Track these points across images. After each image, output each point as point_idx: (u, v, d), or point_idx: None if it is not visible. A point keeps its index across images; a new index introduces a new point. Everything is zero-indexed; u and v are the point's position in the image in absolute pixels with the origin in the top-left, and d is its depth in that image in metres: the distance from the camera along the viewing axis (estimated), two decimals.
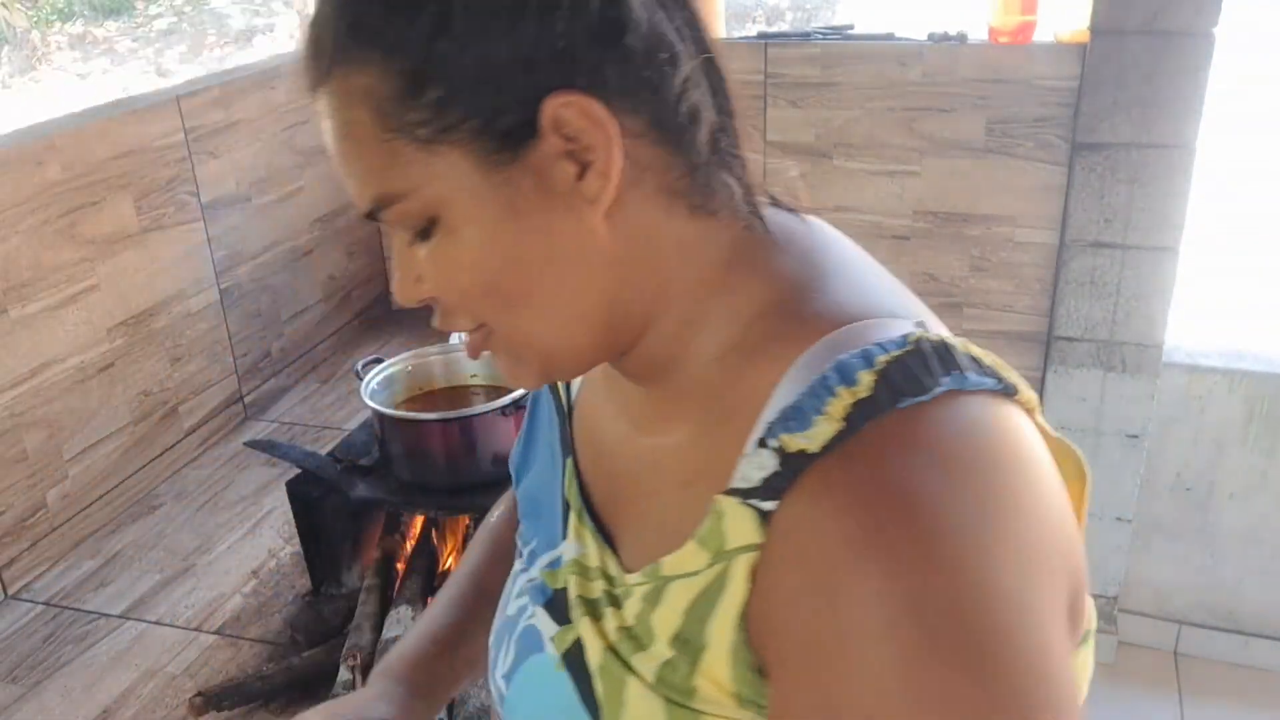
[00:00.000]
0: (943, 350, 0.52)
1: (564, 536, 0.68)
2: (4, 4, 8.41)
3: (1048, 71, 2.29)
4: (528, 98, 0.53)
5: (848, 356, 0.52)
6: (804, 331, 0.55)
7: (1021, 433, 0.52)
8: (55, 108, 2.45)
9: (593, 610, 0.63)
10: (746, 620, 0.53)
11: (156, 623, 1.74)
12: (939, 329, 0.56)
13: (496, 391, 1.70)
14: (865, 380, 0.50)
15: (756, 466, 0.52)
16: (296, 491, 1.68)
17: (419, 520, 1.79)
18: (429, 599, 1.65)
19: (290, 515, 1.74)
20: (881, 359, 0.51)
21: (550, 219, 0.55)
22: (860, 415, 0.49)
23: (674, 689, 0.56)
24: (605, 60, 0.54)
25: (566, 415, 0.74)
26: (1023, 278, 2.47)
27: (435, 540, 1.78)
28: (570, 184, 0.54)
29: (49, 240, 1.85)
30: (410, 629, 0.83)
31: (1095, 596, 2.77)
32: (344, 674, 1.48)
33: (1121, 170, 2.29)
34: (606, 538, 0.65)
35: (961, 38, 2.36)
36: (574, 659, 0.62)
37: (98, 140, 1.95)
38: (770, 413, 0.53)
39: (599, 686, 0.60)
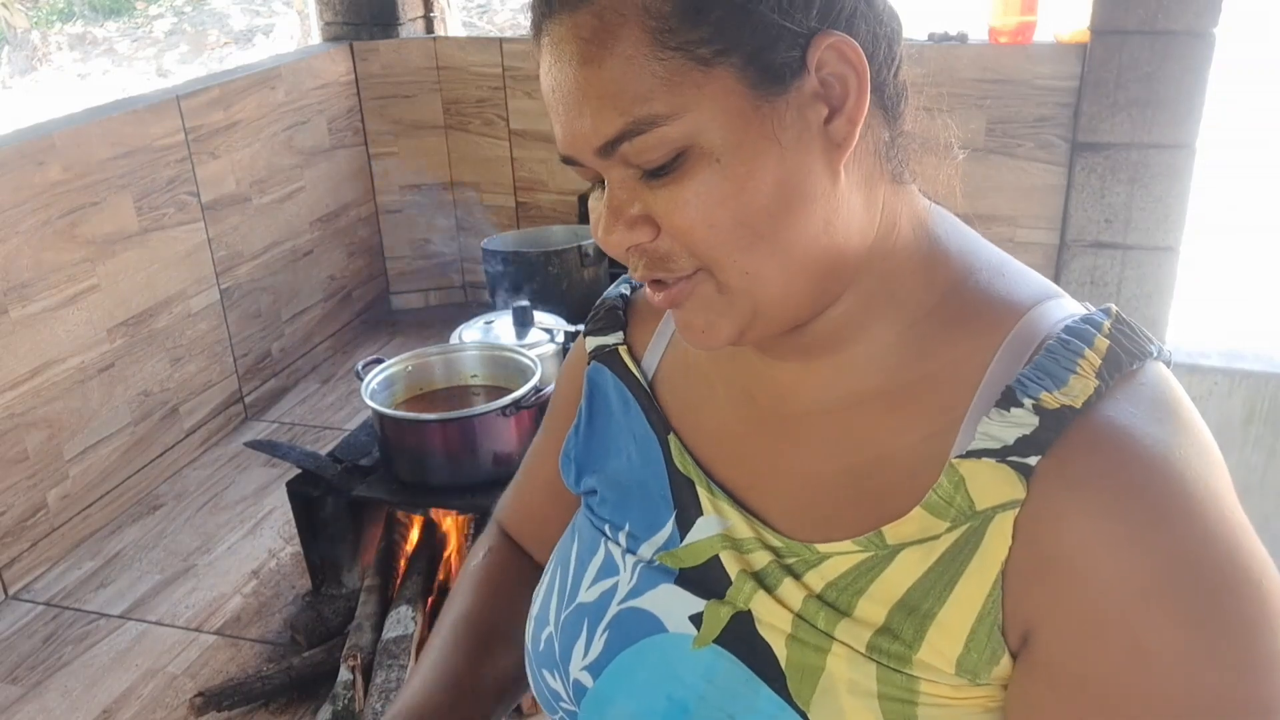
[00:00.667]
0: (1135, 323, 0.58)
1: (696, 512, 0.66)
2: (4, 4, 8.42)
3: (1048, 72, 2.29)
4: (801, 32, 0.53)
5: (1074, 323, 0.56)
6: (1000, 312, 0.58)
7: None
8: (56, 108, 2.45)
9: (762, 581, 0.61)
10: (1005, 576, 0.54)
11: (157, 623, 1.74)
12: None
13: (496, 392, 1.70)
14: (1101, 344, 0.55)
15: (1009, 425, 0.54)
16: (297, 492, 1.68)
17: (419, 520, 1.79)
18: (429, 600, 1.66)
19: (290, 515, 1.74)
20: (1106, 324, 0.56)
21: (807, 154, 0.55)
22: (1108, 373, 0.54)
23: (890, 656, 0.57)
24: (859, 11, 0.56)
25: (650, 395, 0.73)
26: None
27: (435, 540, 1.78)
28: (820, 125, 0.55)
29: (49, 240, 1.85)
30: (410, 683, 0.79)
31: None
32: (344, 674, 1.48)
33: (1122, 170, 2.29)
34: (748, 510, 0.64)
35: (962, 38, 2.36)
36: (738, 633, 0.61)
37: (98, 140, 1.95)
38: (994, 381, 0.56)
39: (784, 655, 0.59)
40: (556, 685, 0.69)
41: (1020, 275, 0.61)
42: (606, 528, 0.72)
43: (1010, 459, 0.53)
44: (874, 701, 0.57)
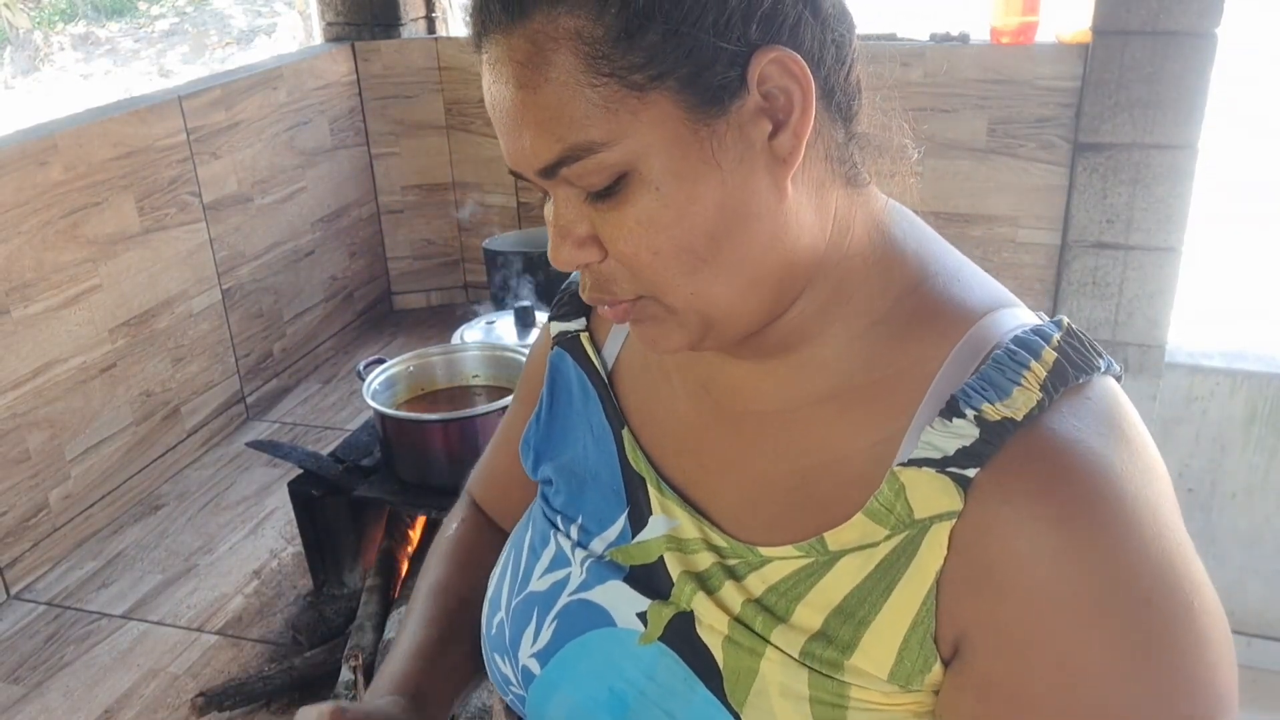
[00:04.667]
0: (1085, 335, 0.58)
1: (646, 510, 0.67)
2: (6, 4, 8.43)
3: (1050, 72, 2.28)
4: (740, 49, 0.52)
5: (1024, 334, 0.56)
6: (952, 318, 0.58)
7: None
8: (58, 108, 2.45)
9: (704, 584, 0.62)
10: (940, 586, 0.54)
11: (158, 623, 1.74)
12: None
13: (498, 392, 1.70)
14: (1048, 356, 0.55)
15: (950, 436, 0.53)
16: (298, 492, 1.68)
17: (421, 520, 1.79)
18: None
19: (292, 515, 1.74)
20: (1055, 338, 0.56)
21: (750, 175, 0.54)
22: (1053, 386, 0.53)
23: (822, 661, 0.57)
24: (803, 19, 0.54)
25: (608, 385, 0.72)
26: (1024, 278, 2.47)
27: None
28: (764, 142, 0.54)
29: (51, 240, 1.85)
30: (390, 653, 0.80)
31: None
32: (345, 674, 1.48)
33: (1124, 171, 2.28)
34: (696, 509, 0.64)
35: (963, 38, 2.36)
36: (680, 632, 0.61)
37: (100, 140, 1.95)
38: (940, 389, 0.55)
39: (721, 657, 0.59)
40: (507, 670, 0.70)
41: (975, 281, 0.61)
42: (559, 520, 0.72)
43: (949, 470, 0.53)
44: (805, 705, 0.57)
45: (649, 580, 0.64)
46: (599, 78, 0.52)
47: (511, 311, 1.91)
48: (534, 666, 0.67)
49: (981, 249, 2.47)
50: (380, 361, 1.75)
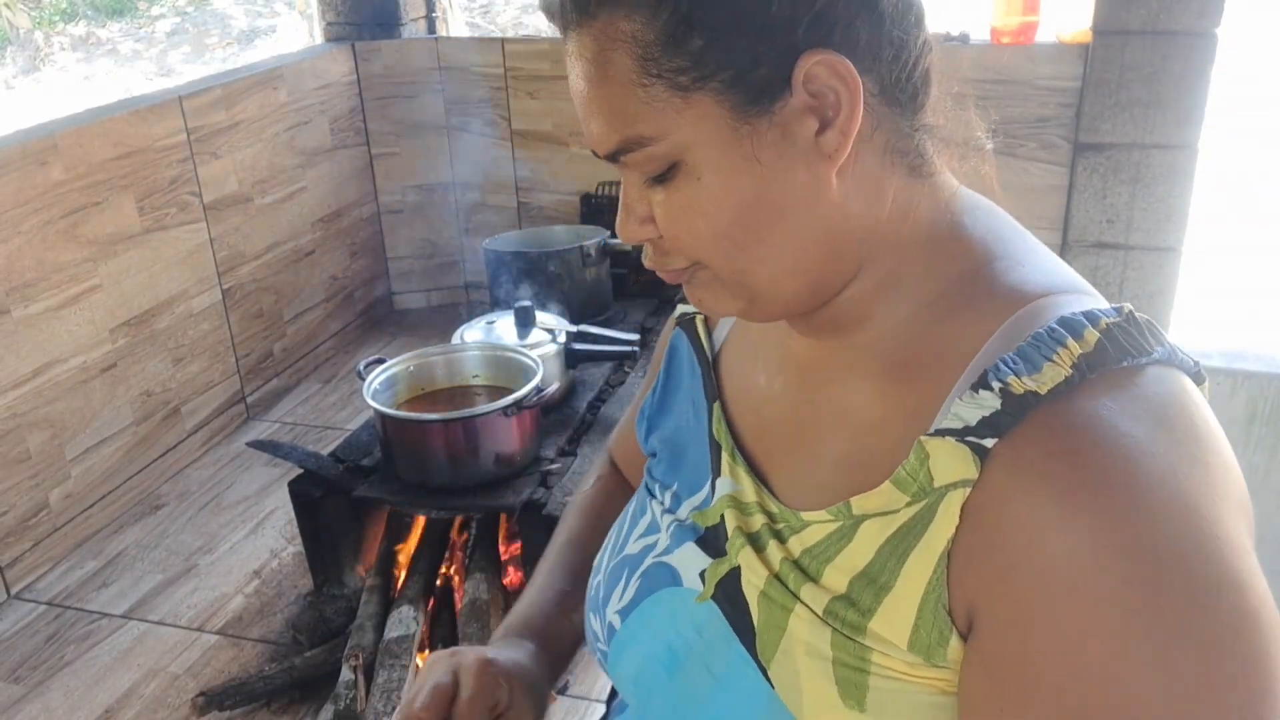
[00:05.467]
0: (1151, 325, 0.56)
1: (716, 475, 0.71)
2: (7, 4, 8.43)
3: (1050, 72, 2.28)
4: (784, 52, 0.55)
5: (1072, 315, 0.55)
6: (1006, 299, 0.58)
7: (1206, 406, 0.55)
8: (59, 108, 2.45)
9: (754, 542, 0.65)
10: (950, 556, 0.54)
11: (159, 623, 1.74)
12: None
13: (498, 392, 1.71)
14: (1090, 337, 0.54)
15: (975, 407, 0.54)
16: (298, 492, 1.68)
17: (421, 520, 1.79)
18: (430, 599, 1.66)
19: (292, 515, 1.74)
20: (1105, 321, 0.55)
21: (788, 171, 0.57)
22: (1088, 365, 0.53)
23: (845, 623, 0.58)
24: (859, 18, 0.56)
25: (711, 364, 0.77)
26: None
27: (437, 541, 1.78)
28: (809, 139, 0.57)
29: (52, 240, 1.85)
30: (521, 598, 0.87)
31: None
32: (346, 674, 1.48)
33: (1124, 170, 2.28)
34: (760, 477, 0.68)
35: (964, 38, 2.36)
36: (728, 589, 0.65)
37: (100, 141, 1.95)
38: (979, 365, 0.56)
39: (756, 612, 0.63)
40: (597, 627, 0.75)
41: (1043, 267, 0.61)
42: (656, 488, 0.77)
43: (969, 439, 0.54)
44: (828, 666, 0.59)
45: (714, 541, 0.68)
46: (649, 78, 0.56)
47: (511, 311, 1.91)
48: (616, 622, 0.72)
49: None
50: (380, 361, 1.75)
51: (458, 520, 1.77)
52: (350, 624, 1.61)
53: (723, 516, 0.68)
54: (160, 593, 1.82)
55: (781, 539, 0.64)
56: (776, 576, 0.62)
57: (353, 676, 1.47)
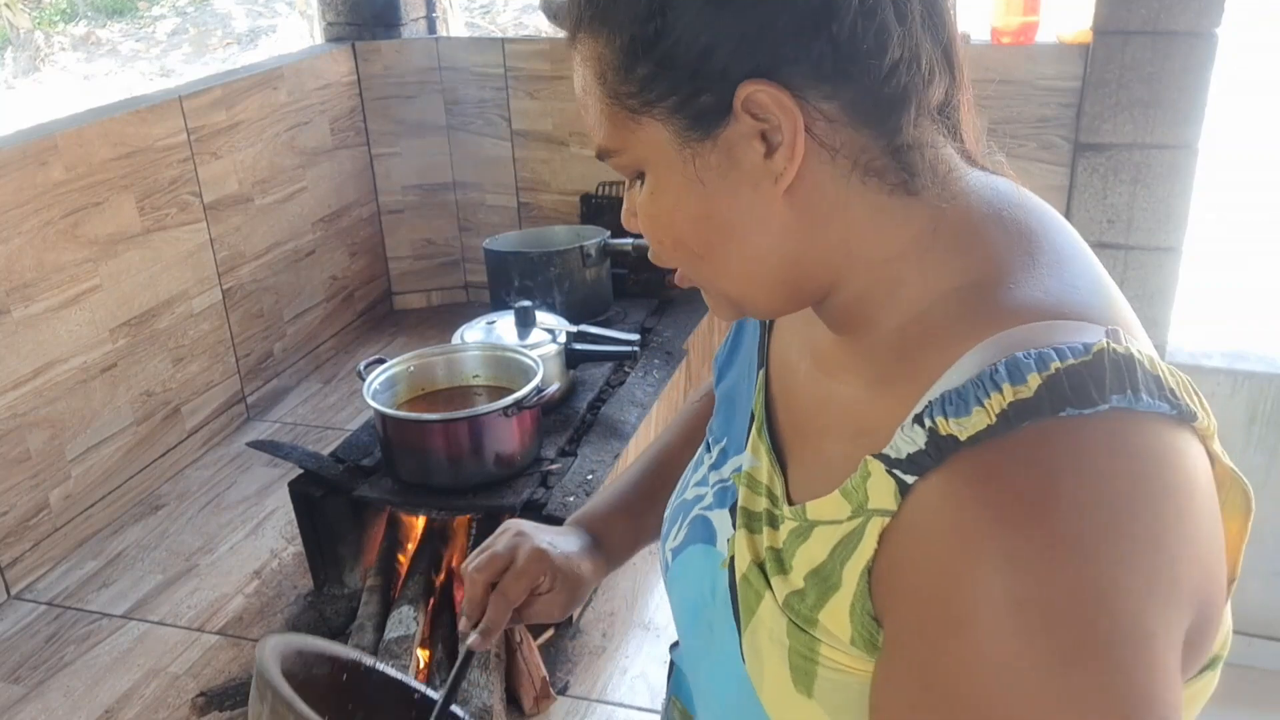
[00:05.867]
0: (1125, 364, 0.52)
1: (746, 444, 0.73)
2: (7, 5, 8.43)
3: (1050, 72, 2.28)
4: (724, 82, 0.57)
5: (1024, 355, 0.53)
6: (990, 319, 0.57)
7: (1183, 461, 0.52)
8: (59, 108, 2.45)
9: (750, 524, 0.68)
10: (870, 575, 0.57)
11: (159, 623, 1.74)
12: (1132, 341, 0.54)
13: (498, 392, 1.71)
14: (1033, 382, 0.51)
15: (908, 440, 0.54)
16: (299, 492, 1.68)
17: (421, 520, 1.79)
18: (431, 600, 1.66)
19: (292, 515, 1.74)
20: (1055, 364, 0.52)
21: (733, 192, 0.60)
22: (1017, 415, 0.51)
23: (799, 615, 0.62)
24: (807, 48, 0.57)
25: (768, 328, 0.79)
26: None
27: (437, 541, 1.78)
28: (758, 162, 0.59)
29: (52, 241, 1.85)
30: (601, 491, 0.96)
31: None
32: None
33: (1124, 171, 2.28)
34: (780, 459, 0.70)
35: (964, 38, 2.36)
36: (732, 563, 0.69)
37: (101, 141, 1.95)
38: (935, 392, 0.55)
39: (739, 593, 0.67)
40: (664, 555, 0.81)
41: (1055, 286, 0.59)
42: (710, 439, 0.81)
43: (895, 471, 0.55)
44: (785, 652, 0.63)
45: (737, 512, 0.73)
46: (608, 98, 0.61)
47: (512, 312, 1.91)
48: (669, 559, 0.78)
49: None
50: (381, 361, 1.75)
51: (458, 520, 1.77)
52: (350, 624, 1.61)
53: (739, 492, 0.71)
54: (160, 593, 1.82)
55: (775, 525, 0.66)
56: (759, 562, 0.66)
57: None
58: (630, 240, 2.31)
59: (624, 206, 0.69)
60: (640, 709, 1.52)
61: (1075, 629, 0.48)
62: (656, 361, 2.09)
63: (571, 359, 1.88)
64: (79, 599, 1.81)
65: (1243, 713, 2.65)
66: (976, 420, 0.52)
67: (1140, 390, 0.52)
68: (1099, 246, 2.36)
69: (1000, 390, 0.52)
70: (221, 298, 2.30)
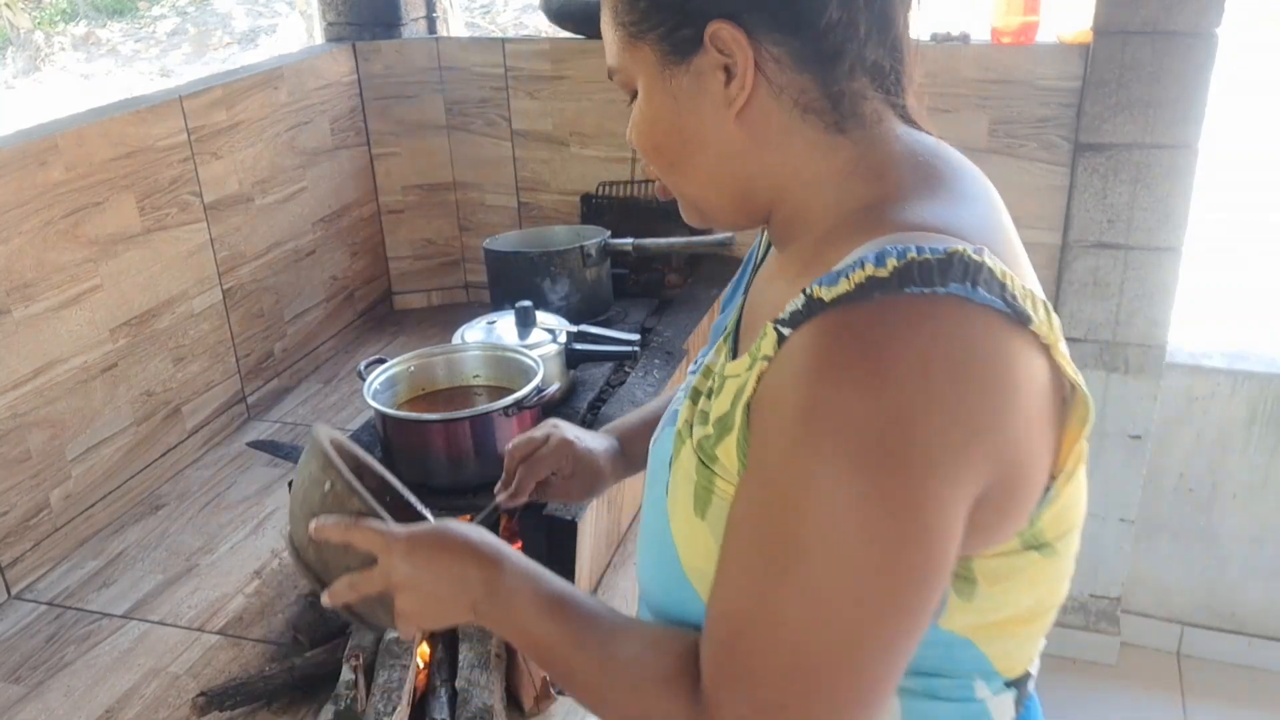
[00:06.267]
0: (973, 266, 0.65)
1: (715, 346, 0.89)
2: (8, 5, 8.43)
3: (1050, 72, 2.28)
4: (700, 19, 0.74)
5: (891, 248, 0.66)
6: (880, 229, 0.70)
7: (1002, 349, 0.65)
8: (59, 108, 2.45)
9: (694, 397, 0.83)
10: (749, 412, 0.72)
11: (159, 623, 1.74)
12: (994, 258, 0.66)
13: (499, 392, 1.71)
14: (890, 266, 0.65)
15: (793, 305, 0.68)
16: None
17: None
18: None
19: None
20: (912, 256, 0.65)
21: (698, 111, 0.77)
22: (871, 287, 0.64)
23: (705, 454, 0.77)
24: (764, 1, 0.73)
25: (757, 264, 0.94)
26: None
27: None
28: (719, 88, 0.75)
29: (52, 241, 1.85)
30: (633, 412, 1.23)
31: (1097, 598, 2.75)
32: (346, 674, 1.48)
33: (1124, 171, 2.28)
34: (735, 356, 0.83)
35: (964, 38, 2.36)
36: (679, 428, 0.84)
37: (101, 141, 1.95)
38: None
39: (674, 445, 0.83)
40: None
41: (942, 212, 0.72)
42: (698, 360, 0.93)
43: (779, 327, 0.69)
44: (692, 485, 0.78)
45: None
46: (616, 25, 0.79)
47: (512, 312, 1.91)
48: (653, 445, 0.93)
49: None
50: (381, 361, 1.75)
51: (460, 520, 1.76)
52: (350, 624, 1.62)
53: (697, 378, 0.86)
54: (161, 593, 1.82)
55: (710, 396, 0.79)
56: (690, 421, 0.81)
57: (353, 677, 1.47)
58: (630, 240, 2.31)
59: (629, 124, 0.84)
60: None
61: (876, 450, 0.62)
62: (657, 361, 2.09)
63: (571, 359, 1.88)
64: (79, 599, 1.81)
65: (1243, 713, 2.65)
66: (840, 289, 0.65)
67: (979, 286, 0.64)
68: (1099, 246, 2.36)
69: (863, 269, 0.65)
70: (222, 298, 2.30)
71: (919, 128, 0.81)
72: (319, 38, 2.93)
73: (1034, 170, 2.37)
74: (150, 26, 9.11)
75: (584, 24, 2.62)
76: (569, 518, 1.59)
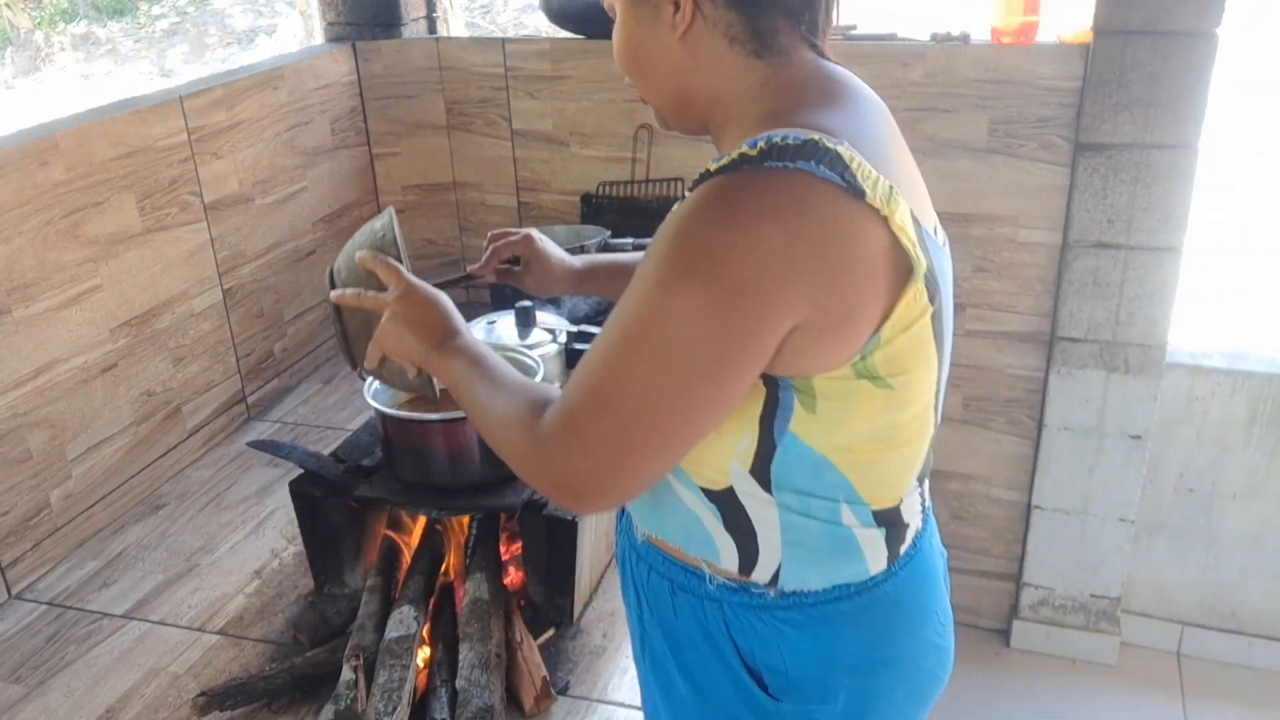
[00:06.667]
0: (825, 151, 0.84)
1: None
2: (8, 4, 8.43)
3: (1050, 72, 2.28)
4: None
5: (767, 135, 0.86)
6: (775, 128, 0.88)
7: (830, 215, 0.84)
8: (59, 108, 2.45)
9: None
10: None
11: (160, 623, 1.74)
12: (852, 151, 0.86)
13: None
14: (760, 148, 0.85)
15: (699, 178, 0.88)
16: (299, 492, 1.68)
17: (421, 520, 1.79)
18: (431, 600, 1.66)
19: (293, 515, 1.74)
20: (778, 140, 0.85)
21: (653, 34, 0.98)
22: (742, 161, 0.86)
23: None
24: None
25: None
26: (1025, 278, 2.47)
27: (438, 541, 1.78)
28: (669, 16, 0.96)
29: (52, 240, 1.85)
30: (617, 257, 1.45)
31: (1097, 598, 2.74)
32: (346, 674, 1.48)
33: (1124, 170, 2.28)
34: None
35: (964, 38, 2.36)
36: None
37: (101, 141, 1.95)
38: None
39: None
40: None
41: (822, 119, 0.90)
42: None
43: (684, 194, 0.90)
44: None
45: None
46: None
47: (512, 312, 1.91)
48: None
49: (982, 249, 2.47)
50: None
51: (458, 520, 1.77)
52: (351, 624, 1.62)
53: None
54: (161, 593, 1.82)
55: None
56: None
57: (353, 676, 1.47)
58: (630, 240, 2.31)
59: None
60: (641, 709, 1.52)
61: (715, 270, 0.82)
62: None
63: (572, 359, 1.88)
64: (79, 599, 1.81)
65: (1243, 713, 2.65)
66: (723, 163, 0.86)
67: (823, 165, 0.83)
68: (1099, 246, 2.36)
69: (742, 150, 0.86)
70: (222, 297, 2.30)
71: (830, 60, 1.00)
72: (317, 36, 2.93)
73: (1034, 170, 2.37)
74: (150, 26, 9.11)
75: (584, 24, 2.62)
76: (569, 518, 1.59)
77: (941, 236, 0.99)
